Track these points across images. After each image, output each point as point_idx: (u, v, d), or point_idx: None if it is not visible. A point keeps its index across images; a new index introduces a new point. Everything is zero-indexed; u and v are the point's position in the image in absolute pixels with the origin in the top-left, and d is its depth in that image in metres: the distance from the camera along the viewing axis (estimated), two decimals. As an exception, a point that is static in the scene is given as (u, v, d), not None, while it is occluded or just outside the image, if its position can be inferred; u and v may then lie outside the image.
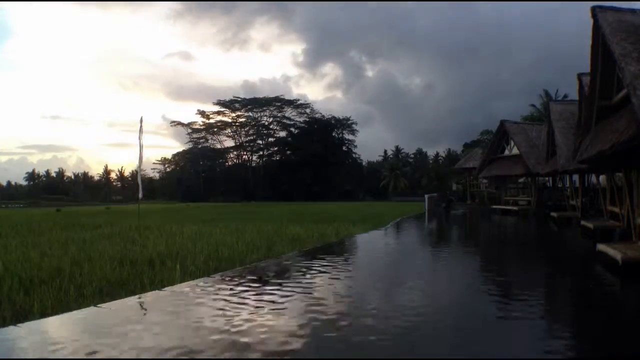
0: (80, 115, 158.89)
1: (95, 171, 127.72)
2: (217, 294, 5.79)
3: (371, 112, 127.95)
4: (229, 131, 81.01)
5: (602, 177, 17.53)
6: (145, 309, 5.28)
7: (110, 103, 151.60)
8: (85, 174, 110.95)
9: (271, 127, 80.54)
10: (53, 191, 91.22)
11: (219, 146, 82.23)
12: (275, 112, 79.29)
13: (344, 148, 78.28)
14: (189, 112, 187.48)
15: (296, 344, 3.85)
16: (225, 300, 5.37)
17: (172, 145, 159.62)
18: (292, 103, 78.64)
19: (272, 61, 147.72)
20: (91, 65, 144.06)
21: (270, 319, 4.65)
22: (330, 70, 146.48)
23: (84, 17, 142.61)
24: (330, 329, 4.30)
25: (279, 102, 78.06)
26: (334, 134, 77.48)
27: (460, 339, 4.24)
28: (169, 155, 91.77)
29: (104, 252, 8.85)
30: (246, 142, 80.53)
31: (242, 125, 79.98)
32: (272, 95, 78.54)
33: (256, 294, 5.77)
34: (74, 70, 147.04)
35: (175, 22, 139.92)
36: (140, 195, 17.41)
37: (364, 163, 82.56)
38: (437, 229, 18.75)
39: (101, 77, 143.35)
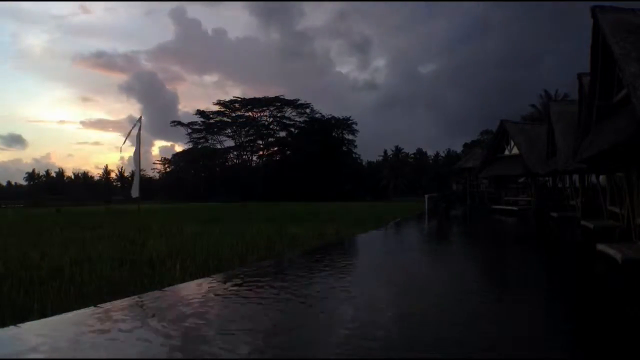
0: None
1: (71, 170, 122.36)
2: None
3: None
4: (229, 131, 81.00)
5: (602, 177, 17.50)
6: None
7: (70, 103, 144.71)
8: (85, 174, 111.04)
9: (271, 127, 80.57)
10: (53, 191, 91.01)
11: (219, 146, 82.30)
12: (275, 112, 79.34)
13: (343, 148, 78.21)
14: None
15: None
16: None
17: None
18: (292, 103, 78.55)
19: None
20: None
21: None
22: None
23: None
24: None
25: (279, 102, 78.05)
26: (333, 134, 77.44)
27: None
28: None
29: (104, 252, 8.85)
30: (246, 142, 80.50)
31: (242, 125, 79.96)
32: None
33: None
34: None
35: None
36: (137, 194, 17.37)
37: (364, 163, 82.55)
38: (436, 230, 18.74)
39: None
